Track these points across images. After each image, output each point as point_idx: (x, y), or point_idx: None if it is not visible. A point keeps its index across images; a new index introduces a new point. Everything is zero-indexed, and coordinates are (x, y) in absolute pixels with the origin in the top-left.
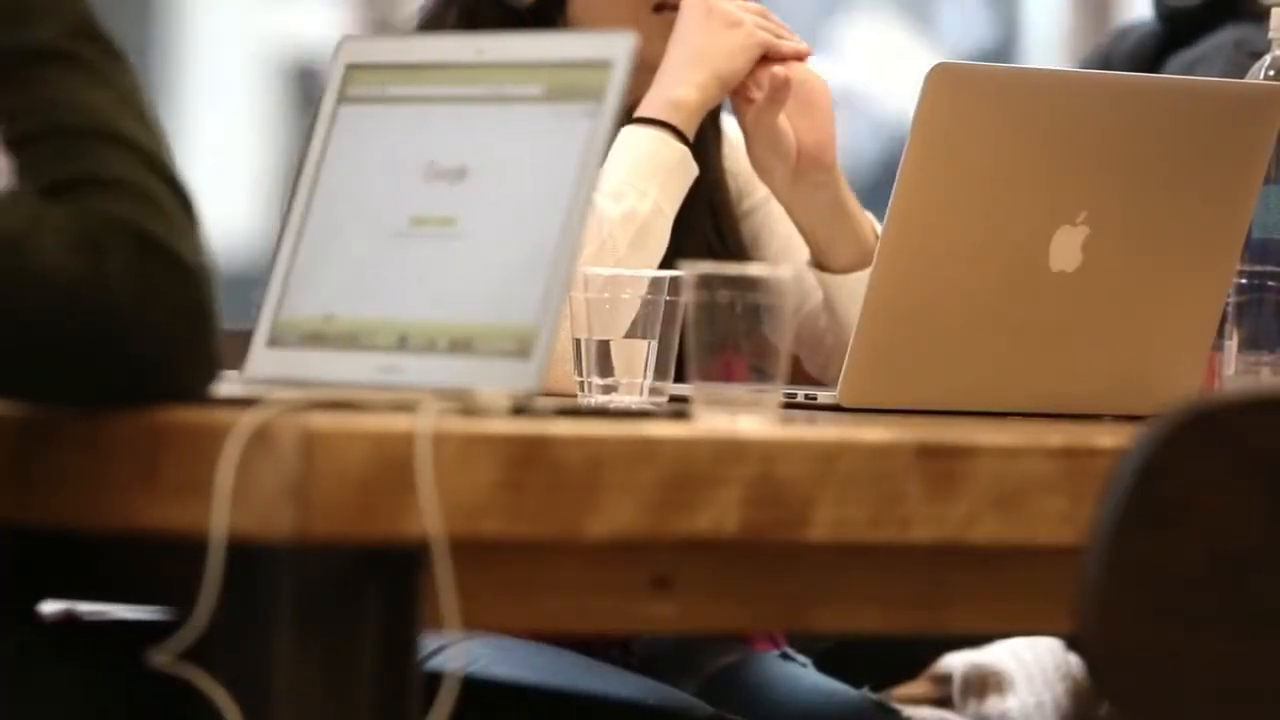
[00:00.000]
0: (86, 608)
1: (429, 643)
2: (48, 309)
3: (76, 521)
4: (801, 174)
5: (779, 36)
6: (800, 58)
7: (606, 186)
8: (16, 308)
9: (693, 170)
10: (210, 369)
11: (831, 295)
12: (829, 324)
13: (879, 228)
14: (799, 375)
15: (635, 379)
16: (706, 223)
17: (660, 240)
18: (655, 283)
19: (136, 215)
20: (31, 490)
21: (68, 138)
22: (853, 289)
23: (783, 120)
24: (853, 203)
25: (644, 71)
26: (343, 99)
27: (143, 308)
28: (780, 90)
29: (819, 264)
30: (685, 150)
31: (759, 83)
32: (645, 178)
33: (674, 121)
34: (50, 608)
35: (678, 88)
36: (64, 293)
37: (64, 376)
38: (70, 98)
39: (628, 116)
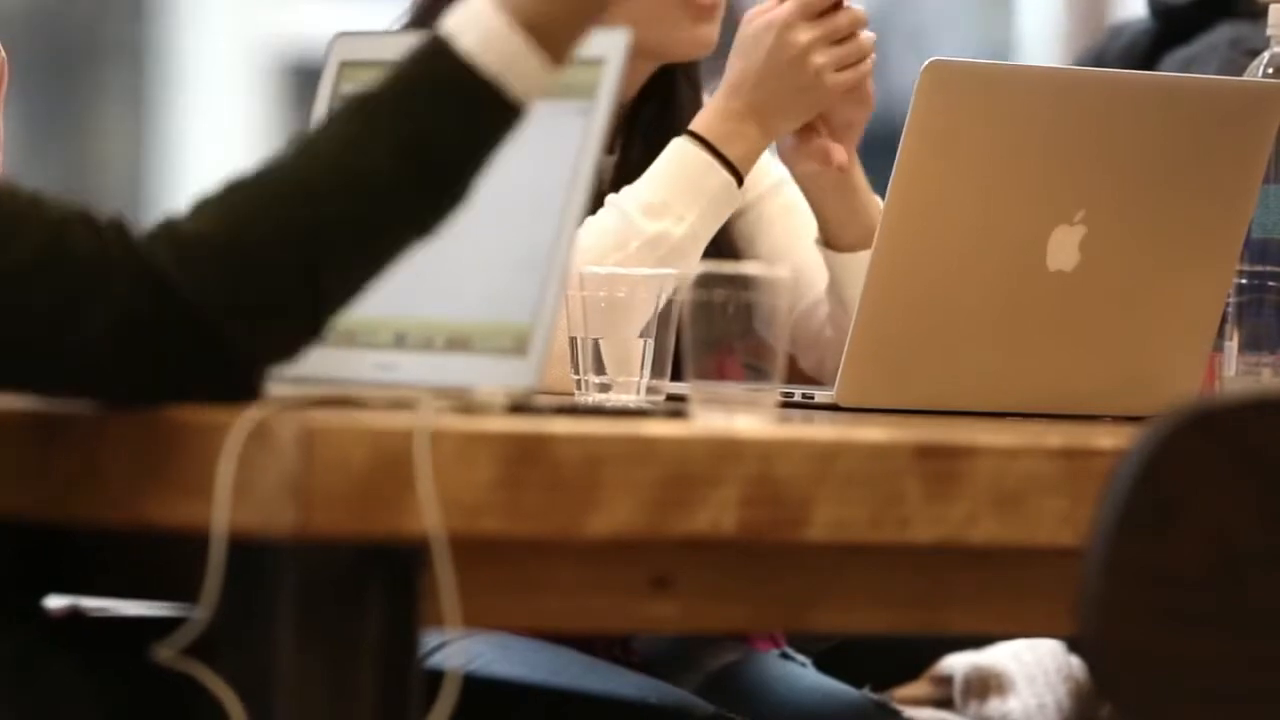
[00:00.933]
0: (90, 603)
1: (429, 640)
2: (33, 338)
3: (79, 517)
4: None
5: (846, 61)
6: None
7: (646, 199)
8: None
9: (735, 201)
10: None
11: (837, 274)
12: (832, 308)
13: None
14: (793, 373)
15: (631, 378)
16: None
17: (690, 265)
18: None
19: (176, 269)
20: (35, 487)
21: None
22: (855, 269)
23: (836, 152)
24: (863, 184)
25: (649, 60)
26: (337, 96)
27: (119, 356)
28: (841, 166)
29: (826, 241)
30: (733, 181)
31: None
32: (687, 202)
33: (731, 157)
34: (54, 603)
35: (744, 124)
36: (47, 326)
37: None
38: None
39: (626, 109)
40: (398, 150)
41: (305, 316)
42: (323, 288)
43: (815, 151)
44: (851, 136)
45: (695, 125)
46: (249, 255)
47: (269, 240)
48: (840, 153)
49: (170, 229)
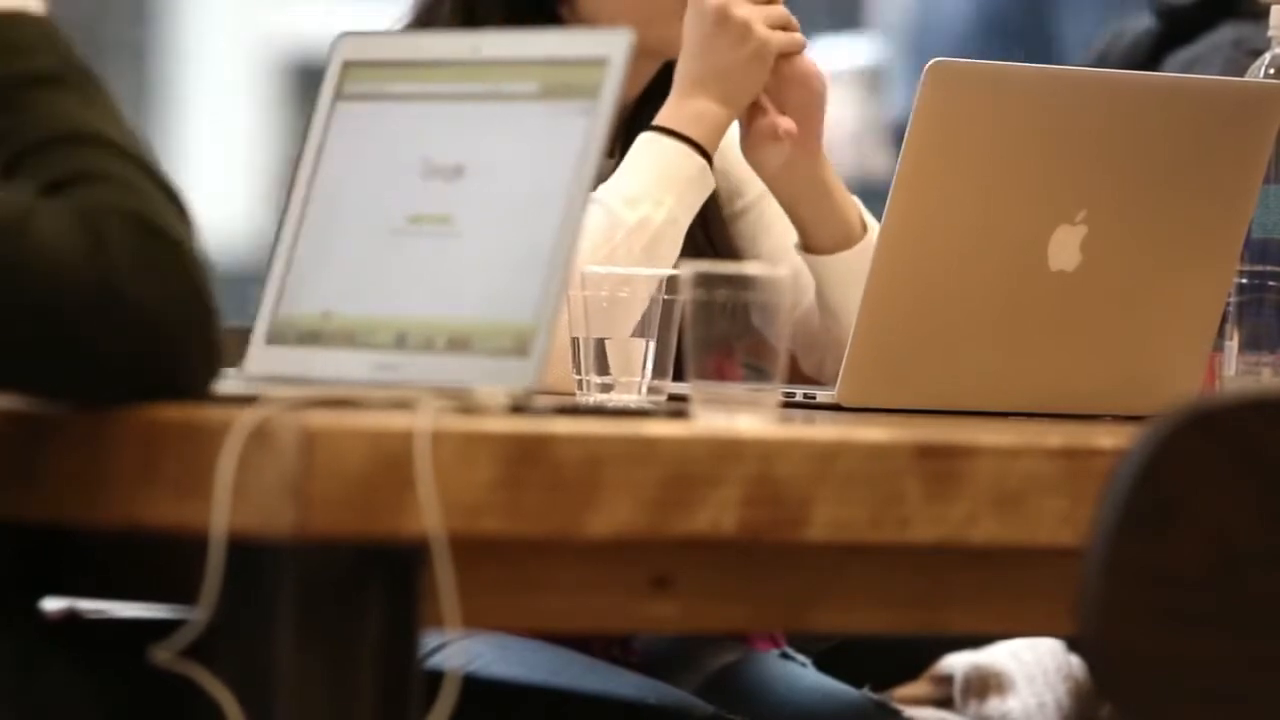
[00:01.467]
0: (88, 605)
1: (429, 641)
2: (50, 290)
3: (77, 519)
4: (788, 161)
5: (787, 27)
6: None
7: (623, 191)
8: (18, 288)
9: (710, 184)
10: (211, 355)
11: (817, 277)
12: (820, 312)
13: (865, 211)
14: (794, 374)
15: (633, 378)
16: (695, 224)
17: (672, 250)
18: (654, 281)
19: (133, 203)
20: (33, 487)
21: (60, 145)
22: (836, 270)
23: (782, 121)
24: (836, 184)
25: (652, 59)
26: (340, 96)
27: (143, 287)
28: (788, 133)
29: (806, 246)
30: (705, 164)
31: (771, 92)
32: (663, 187)
33: (697, 137)
34: (52, 605)
35: (699, 102)
36: (65, 271)
37: (67, 360)
38: (62, 113)
39: (629, 109)
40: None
41: (180, 199)
42: (163, 176)
43: (765, 130)
44: (809, 121)
45: (658, 120)
46: (134, 182)
47: (124, 166)
48: (786, 121)
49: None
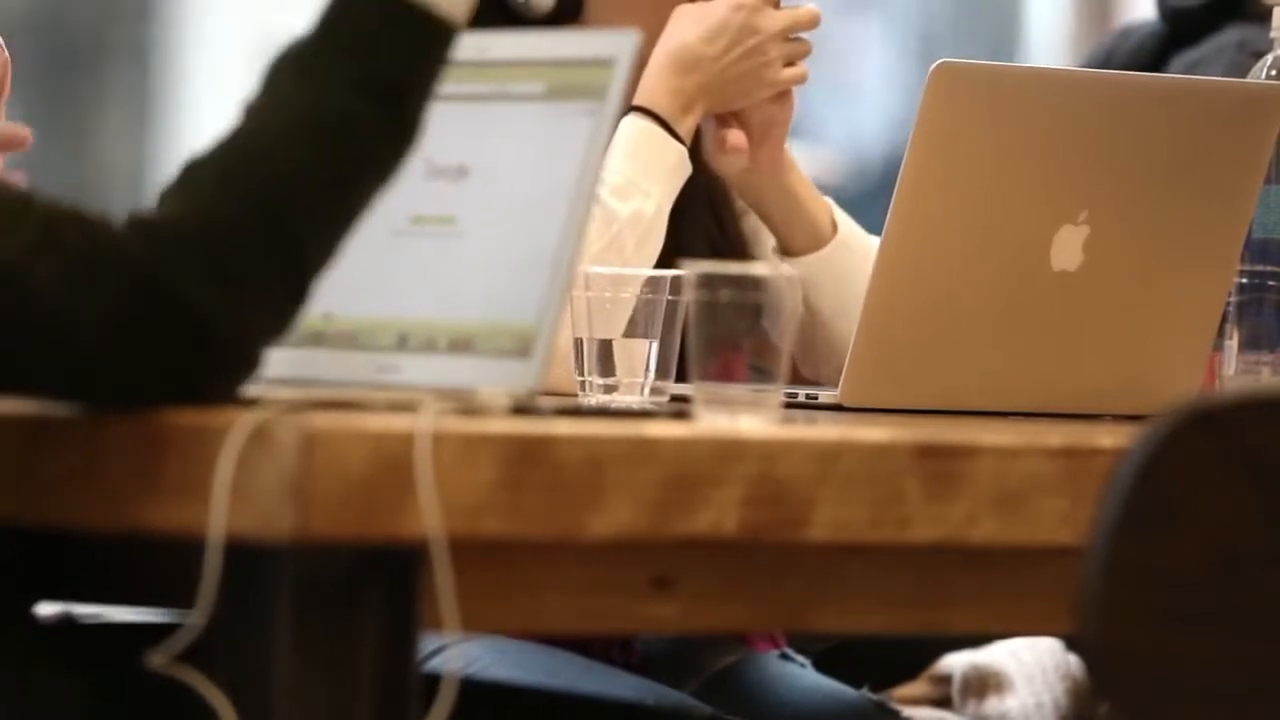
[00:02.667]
0: (84, 609)
1: (428, 644)
2: (25, 339)
3: (74, 522)
4: (747, 169)
5: (796, 57)
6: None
7: (611, 179)
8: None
9: (688, 169)
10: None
11: None
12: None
13: (837, 211)
14: (795, 378)
15: (636, 379)
16: (707, 217)
17: (659, 240)
18: (657, 282)
19: (159, 263)
20: (30, 490)
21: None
22: (809, 272)
23: (731, 135)
24: (803, 188)
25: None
26: None
27: (116, 355)
28: (735, 149)
29: (779, 248)
30: (684, 151)
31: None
32: (648, 176)
33: (678, 128)
34: (47, 609)
35: (690, 94)
36: (40, 326)
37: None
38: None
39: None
40: (345, 94)
41: (291, 287)
42: (303, 254)
43: (717, 140)
44: (775, 136)
45: (646, 100)
46: (224, 236)
47: (240, 214)
48: (736, 136)
49: (141, 224)
